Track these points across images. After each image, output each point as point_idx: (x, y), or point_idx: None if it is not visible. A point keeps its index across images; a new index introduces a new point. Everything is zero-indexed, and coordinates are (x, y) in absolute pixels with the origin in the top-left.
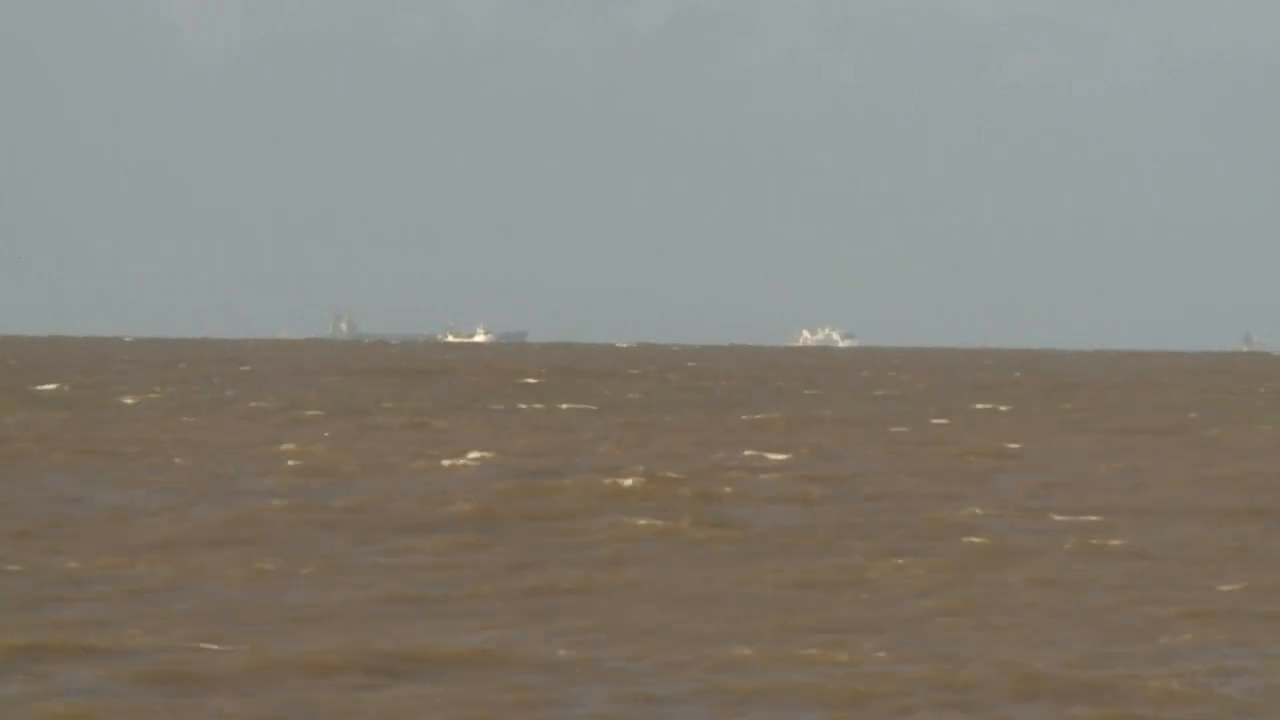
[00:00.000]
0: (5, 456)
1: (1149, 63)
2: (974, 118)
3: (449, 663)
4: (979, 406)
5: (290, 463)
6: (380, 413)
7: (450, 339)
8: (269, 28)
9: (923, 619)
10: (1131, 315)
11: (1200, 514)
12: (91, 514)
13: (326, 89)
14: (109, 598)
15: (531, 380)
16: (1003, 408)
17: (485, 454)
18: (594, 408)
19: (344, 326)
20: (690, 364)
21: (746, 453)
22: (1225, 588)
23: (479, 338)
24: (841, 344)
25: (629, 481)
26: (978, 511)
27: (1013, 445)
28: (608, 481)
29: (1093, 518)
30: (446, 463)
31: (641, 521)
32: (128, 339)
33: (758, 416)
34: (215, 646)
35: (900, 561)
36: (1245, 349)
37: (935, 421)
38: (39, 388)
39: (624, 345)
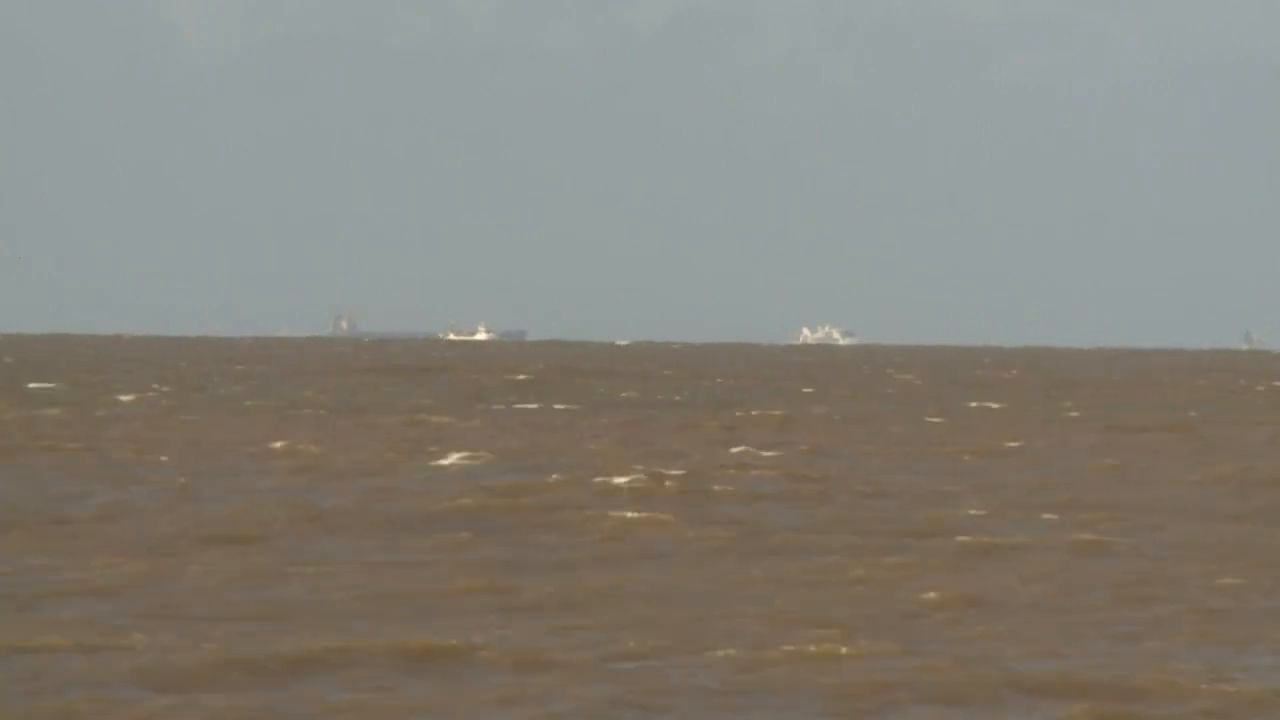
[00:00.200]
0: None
1: (1149, 63)
2: (974, 118)
3: (439, 661)
4: (977, 405)
5: (284, 461)
6: (377, 410)
7: (452, 337)
8: (269, 28)
9: (917, 617)
10: (1131, 315)
11: (1198, 512)
12: (83, 512)
13: (326, 89)
14: (98, 595)
15: (524, 377)
16: (1001, 406)
17: (480, 452)
18: (590, 405)
19: (344, 325)
20: (688, 361)
21: (741, 450)
22: (1223, 585)
23: (480, 336)
24: (842, 342)
25: (622, 479)
26: (974, 509)
27: (1010, 443)
28: (599, 480)
29: (1090, 516)
30: (441, 461)
31: (635, 519)
32: (127, 337)
33: (754, 414)
34: (208, 645)
35: (895, 559)
36: (1245, 348)
37: (933, 420)
38: (35, 385)
39: (623, 343)
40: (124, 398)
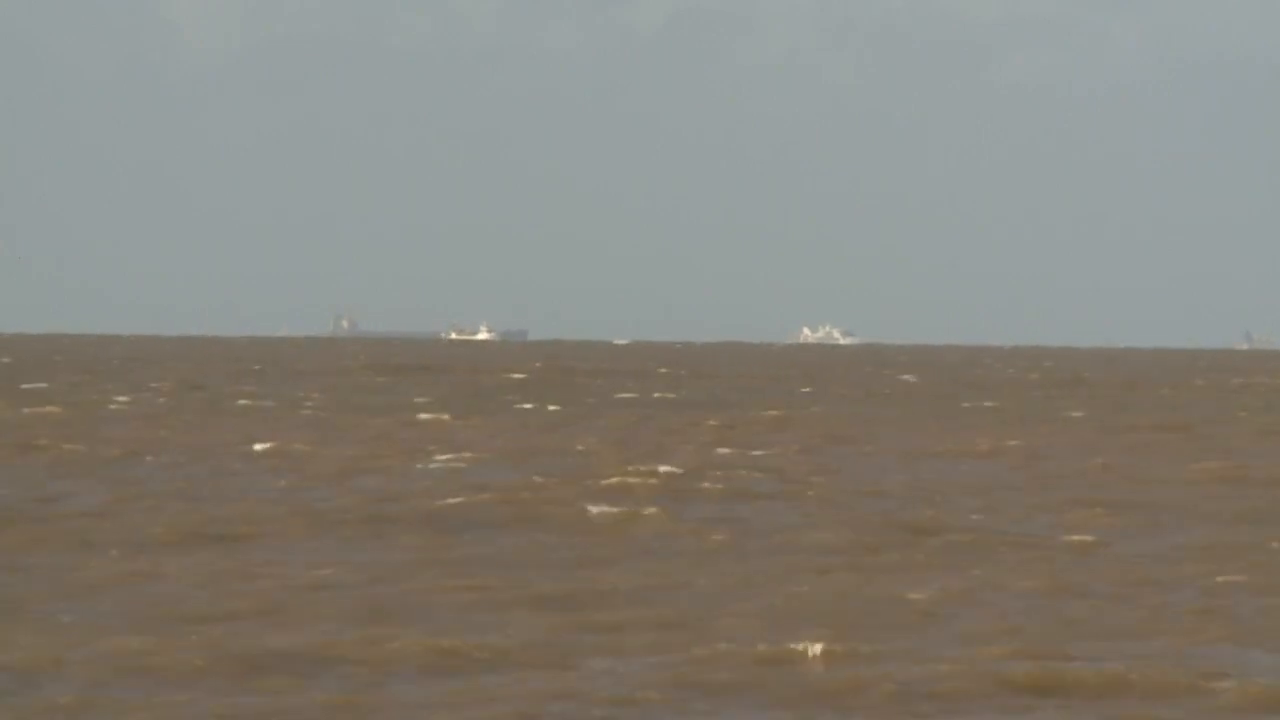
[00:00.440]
0: None
1: (1149, 63)
2: (974, 118)
3: (424, 662)
4: (974, 404)
5: (278, 460)
6: (373, 410)
7: (454, 337)
8: (269, 28)
9: (911, 616)
10: (1131, 315)
11: (1195, 512)
12: (71, 510)
13: (326, 89)
14: (83, 596)
15: (520, 376)
16: (999, 405)
17: (475, 452)
18: (586, 405)
19: (345, 325)
20: (686, 361)
21: (738, 450)
22: (1220, 584)
23: (482, 336)
24: (842, 342)
25: (617, 479)
26: (969, 509)
27: (1006, 443)
28: (593, 480)
29: (1086, 515)
30: (436, 460)
31: (628, 519)
32: (127, 337)
33: (751, 414)
34: (192, 644)
35: (890, 558)
36: (1246, 347)
37: (930, 419)
38: (30, 385)
39: (621, 343)
40: (121, 398)
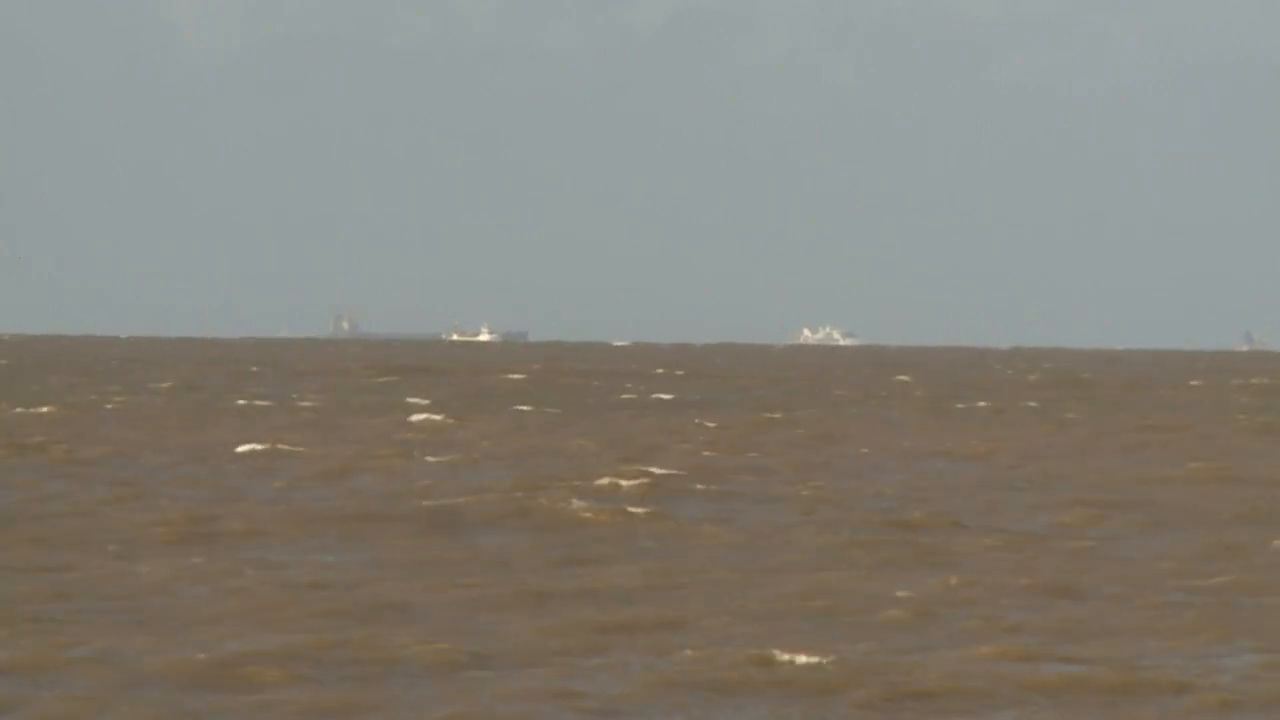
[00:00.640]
0: None
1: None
2: (974, 118)
3: (419, 661)
4: (969, 405)
5: (272, 460)
6: (369, 411)
7: (455, 338)
8: (269, 28)
9: (907, 616)
10: (1131, 315)
11: (1187, 512)
12: (71, 510)
13: (326, 89)
14: (78, 596)
15: (517, 377)
16: (994, 405)
17: (468, 452)
18: (583, 406)
19: (345, 326)
20: (685, 362)
21: (734, 450)
22: (1210, 584)
23: (484, 337)
24: (843, 343)
25: (610, 479)
26: (966, 508)
27: (1005, 442)
28: (585, 480)
29: (1083, 515)
30: (430, 460)
31: (620, 519)
32: (126, 338)
33: (747, 415)
34: (188, 644)
35: (881, 558)
36: (1246, 348)
37: (926, 420)
38: (29, 386)
39: (619, 344)
40: (119, 398)
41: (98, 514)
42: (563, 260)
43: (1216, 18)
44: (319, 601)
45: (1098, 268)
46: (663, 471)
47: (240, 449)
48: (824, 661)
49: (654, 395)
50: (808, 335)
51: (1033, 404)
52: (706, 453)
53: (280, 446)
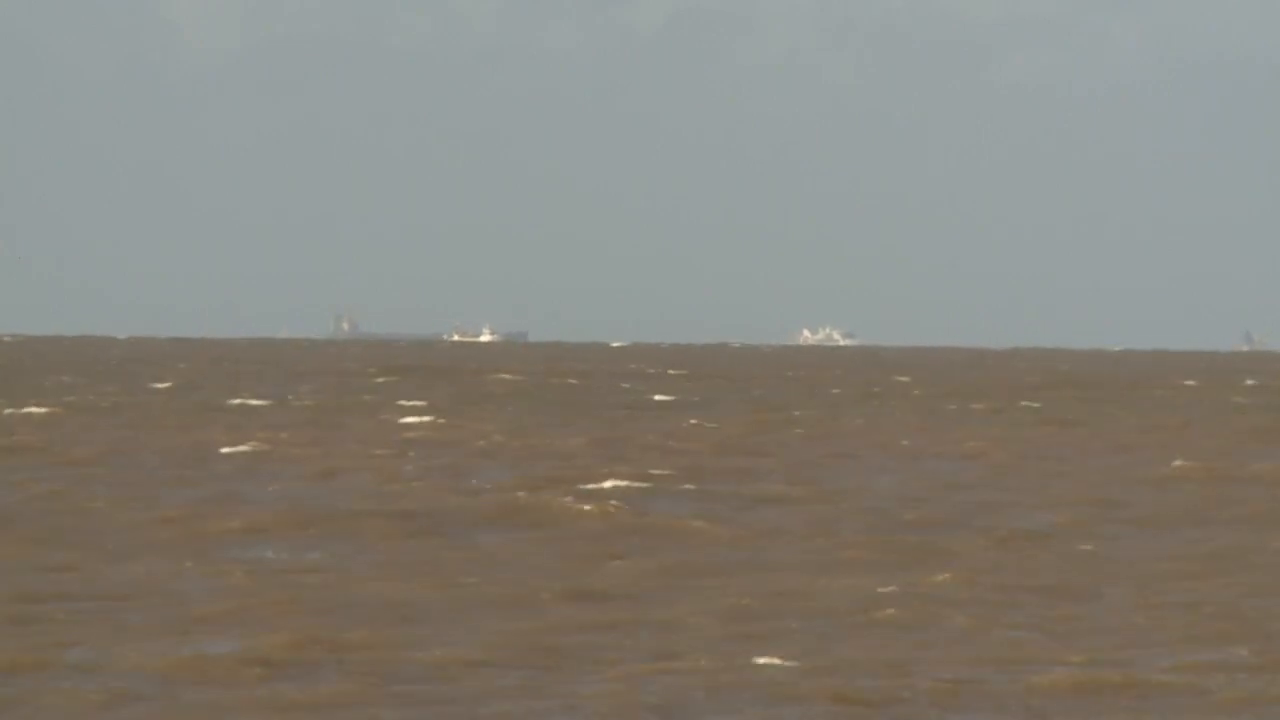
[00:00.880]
0: None
1: (1149, 63)
2: (974, 118)
3: (413, 661)
4: (971, 406)
5: (268, 460)
6: (361, 410)
7: (456, 338)
8: (269, 28)
9: (904, 616)
10: (1131, 315)
11: (1192, 512)
12: (68, 509)
13: (326, 89)
14: (73, 596)
15: (509, 376)
16: (996, 406)
17: (467, 452)
18: (577, 406)
19: (345, 326)
20: (684, 363)
21: (728, 451)
22: (1218, 584)
23: (485, 337)
24: (843, 343)
25: (601, 480)
26: (964, 508)
27: (1002, 443)
28: (577, 480)
29: (1081, 515)
30: (427, 460)
31: (616, 519)
32: (126, 338)
33: (746, 415)
34: (185, 642)
35: (884, 558)
36: (1246, 348)
37: (921, 421)
38: (26, 385)
39: (618, 345)
40: (117, 398)
41: (94, 513)
42: (563, 260)
43: (1216, 18)
44: (315, 601)
45: (1098, 268)
46: (660, 472)
47: (238, 449)
48: (820, 661)
49: (652, 395)
50: (808, 335)
51: (1032, 404)
52: (704, 453)
53: (277, 446)
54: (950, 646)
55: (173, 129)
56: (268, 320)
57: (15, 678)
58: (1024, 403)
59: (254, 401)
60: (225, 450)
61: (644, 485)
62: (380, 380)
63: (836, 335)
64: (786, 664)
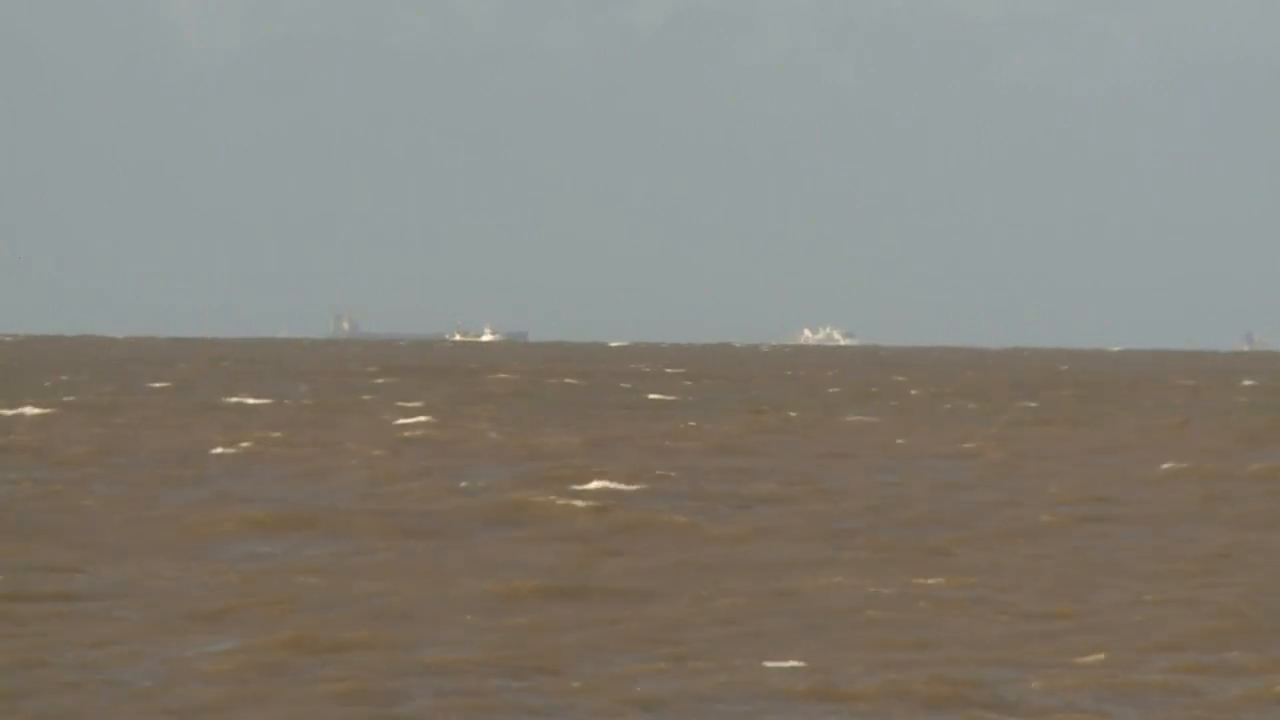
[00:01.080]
0: None
1: (1149, 63)
2: (974, 118)
3: (400, 663)
4: (970, 406)
5: (264, 460)
6: (356, 410)
7: (458, 338)
8: (269, 28)
9: (902, 616)
10: (1131, 315)
11: (1191, 512)
12: (65, 508)
13: (326, 89)
14: (69, 595)
15: (505, 376)
16: (996, 406)
17: (464, 452)
18: (575, 405)
19: (345, 326)
20: (683, 363)
21: (726, 453)
22: (1217, 583)
23: (487, 337)
24: (843, 343)
25: (596, 480)
26: (963, 508)
27: (1000, 442)
28: (577, 482)
29: (1079, 515)
30: (422, 460)
31: (613, 519)
32: (122, 338)
33: (745, 416)
34: (180, 642)
35: (881, 558)
36: (1247, 348)
37: (923, 420)
38: (25, 385)
39: (616, 345)
40: (116, 397)
41: (92, 512)
42: (563, 260)
43: (1216, 18)
44: (312, 600)
45: (1098, 268)
46: (658, 471)
47: (236, 448)
48: (816, 661)
49: (650, 395)
50: (808, 335)
51: (1031, 404)
52: (702, 453)
53: (275, 446)
54: (949, 646)
55: (173, 129)
56: (268, 320)
57: (12, 676)
58: (1022, 402)
59: (252, 401)
60: (223, 450)
61: (642, 485)
62: (380, 380)
63: (837, 335)
64: (784, 663)
